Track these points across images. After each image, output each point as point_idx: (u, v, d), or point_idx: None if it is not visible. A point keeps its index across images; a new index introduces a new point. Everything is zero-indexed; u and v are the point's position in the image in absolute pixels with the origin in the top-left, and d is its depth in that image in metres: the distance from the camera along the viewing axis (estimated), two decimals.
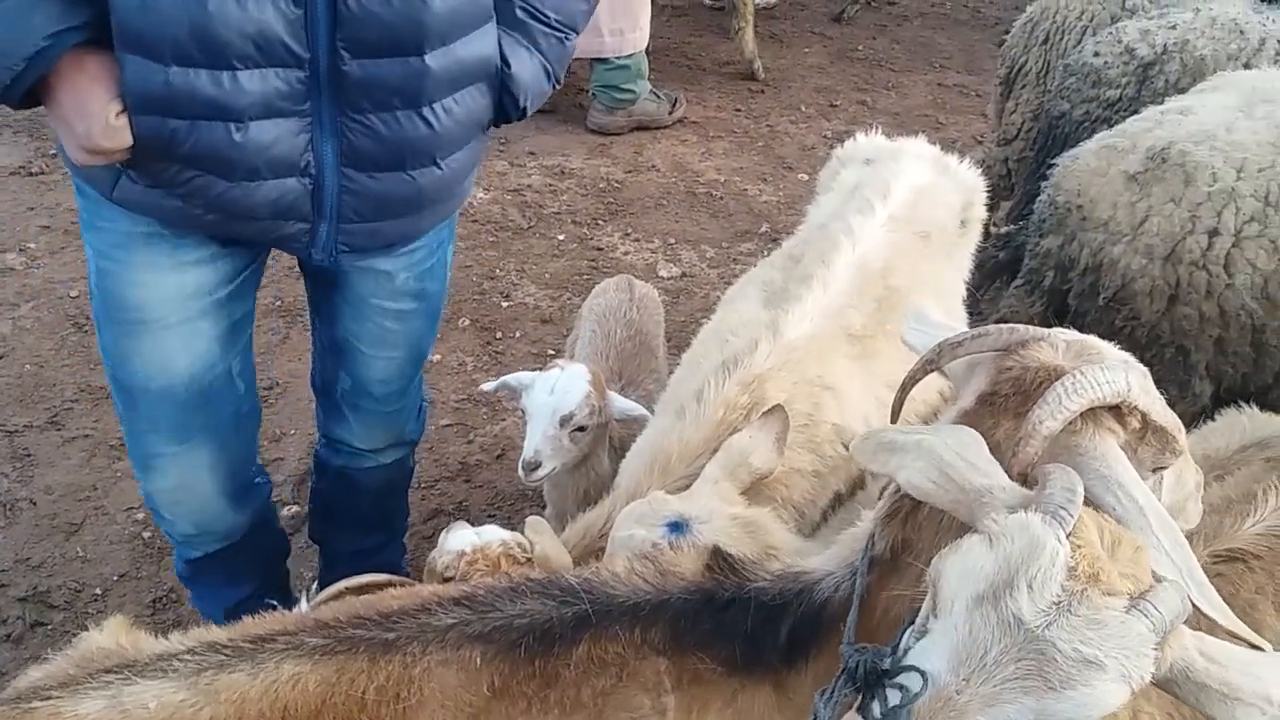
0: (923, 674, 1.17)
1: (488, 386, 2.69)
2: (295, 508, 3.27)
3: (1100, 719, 1.13)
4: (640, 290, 3.00)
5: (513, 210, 4.80)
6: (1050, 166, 3.52)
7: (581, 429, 2.36)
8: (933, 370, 1.62)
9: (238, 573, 2.51)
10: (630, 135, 5.50)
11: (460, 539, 1.93)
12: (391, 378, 2.36)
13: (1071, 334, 1.53)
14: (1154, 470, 1.45)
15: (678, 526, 1.75)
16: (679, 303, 4.31)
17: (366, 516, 2.71)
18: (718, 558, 1.55)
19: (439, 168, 1.91)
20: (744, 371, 2.04)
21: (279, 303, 4.08)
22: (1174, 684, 1.16)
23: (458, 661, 1.40)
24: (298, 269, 4.27)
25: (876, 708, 1.18)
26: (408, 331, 2.29)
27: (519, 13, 1.92)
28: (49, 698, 1.29)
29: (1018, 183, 4.31)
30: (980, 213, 2.69)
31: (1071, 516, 1.21)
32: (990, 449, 1.42)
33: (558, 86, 2.13)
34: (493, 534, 1.94)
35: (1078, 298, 3.09)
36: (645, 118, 5.56)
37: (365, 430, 2.47)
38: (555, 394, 2.39)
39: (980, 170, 4.30)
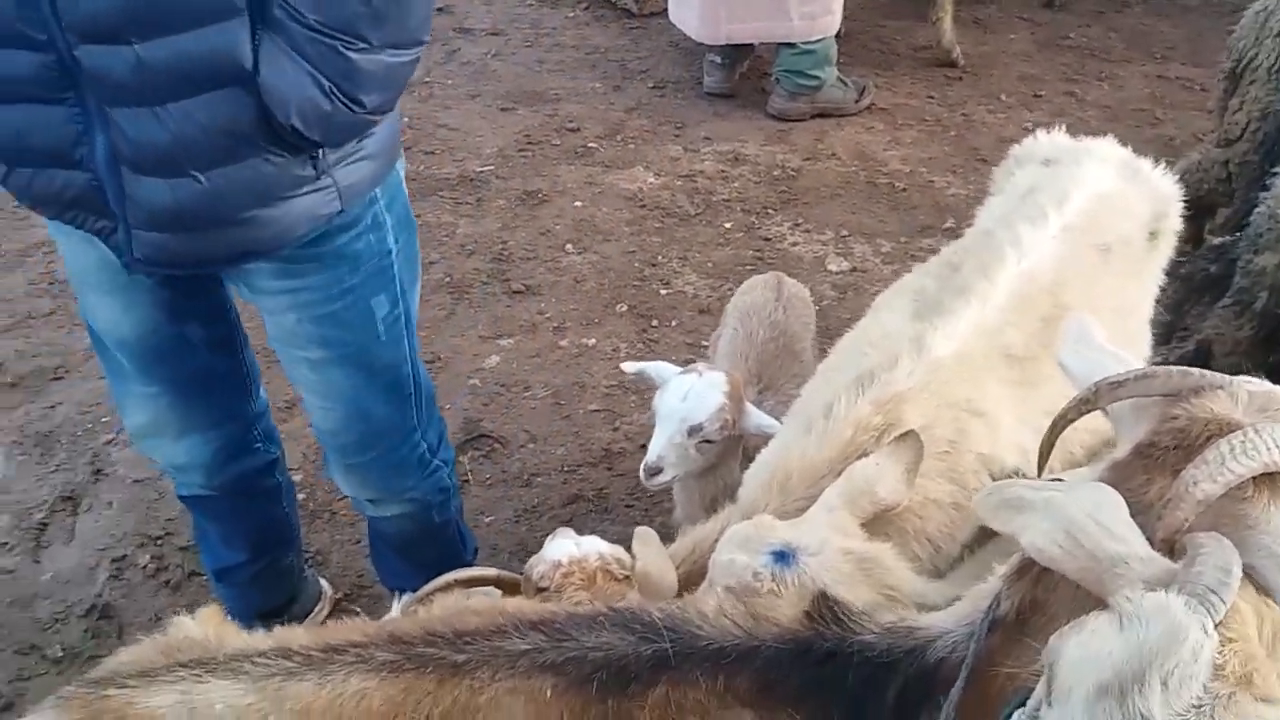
0: None
1: (629, 367, 2.63)
2: None
3: None
4: (789, 289, 2.86)
5: (681, 196, 4.73)
6: (1273, 175, 3.14)
7: (709, 441, 2.27)
8: (1088, 411, 1.44)
9: (229, 535, 2.54)
10: (812, 122, 5.31)
11: (558, 549, 1.88)
12: (340, 430, 2.25)
13: (1260, 384, 1.31)
14: None
15: (783, 556, 1.63)
16: (846, 299, 4.13)
17: (396, 563, 2.67)
18: (821, 604, 1.42)
19: (197, 180, 1.69)
20: (880, 389, 1.89)
21: (448, 279, 4.18)
22: None
23: (526, 692, 1.34)
24: (470, 247, 4.42)
25: None
26: (329, 383, 2.16)
27: (277, 11, 1.63)
28: (126, 686, 1.32)
29: (1238, 189, 3.87)
30: (1174, 224, 2.40)
31: (1224, 602, 1.03)
32: (1138, 511, 1.24)
33: (369, 113, 1.77)
34: (592, 546, 1.88)
35: None
36: (830, 105, 5.35)
37: (344, 479, 2.41)
38: (687, 401, 2.31)
39: (1196, 173, 3.92)
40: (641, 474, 2.35)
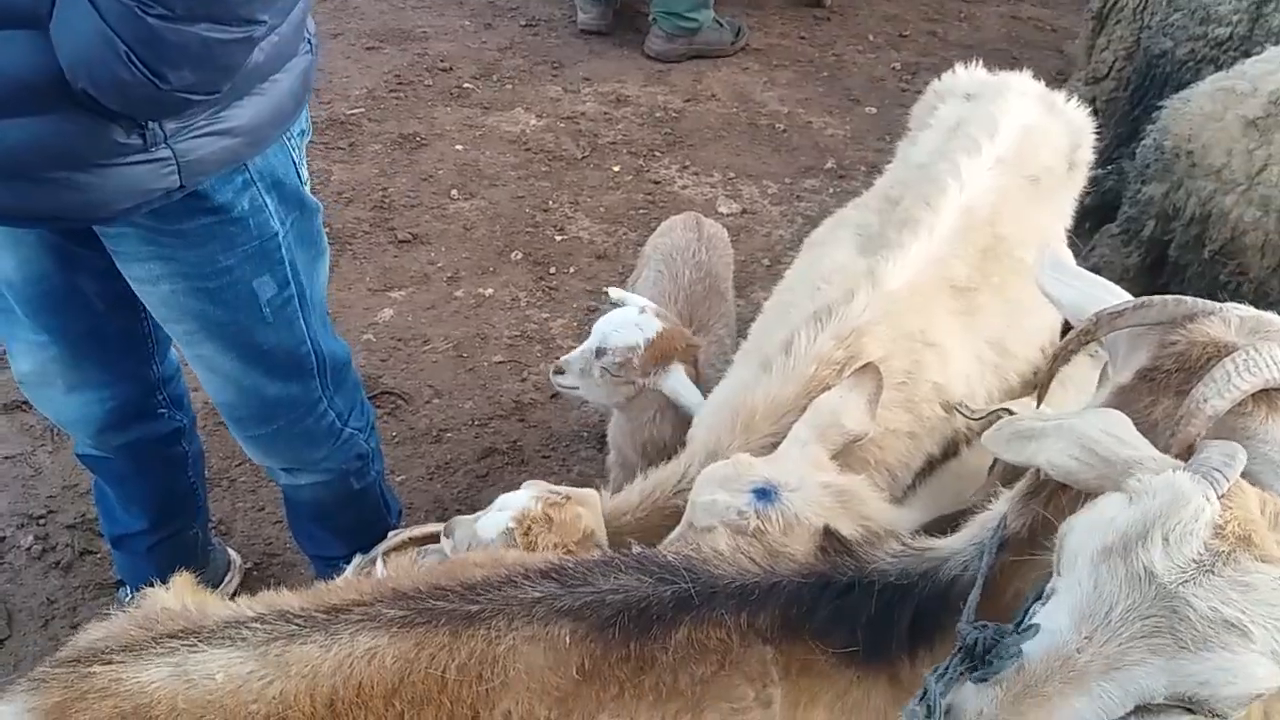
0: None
1: (614, 293, 2.53)
2: None
3: (1247, 695, 1.01)
4: (709, 229, 2.83)
5: (566, 139, 4.61)
6: (1150, 108, 3.29)
7: (612, 373, 2.28)
8: (1089, 342, 1.47)
9: (129, 501, 2.39)
10: (689, 63, 5.25)
11: (491, 524, 1.78)
12: (233, 403, 2.11)
13: (1246, 309, 1.38)
14: None
15: (765, 494, 1.62)
16: (739, 241, 4.12)
17: (316, 530, 2.55)
18: (831, 538, 1.42)
19: None
20: (839, 324, 1.88)
21: (327, 229, 3.89)
22: None
23: (545, 639, 1.28)
24: (348, 195, 4.19)
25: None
26: (211, 359, 2.01)
27: None
28: (110, 661, 1.20)
29: (1106, 124, 4.06)
30: (1088, 155, 2.48)
31: (1226, 479, 1.09)
32: (1145, 430, 1.27)
33: (180, 91, 1.52)
34: (519, 499, 1.80)
35: (1180, 249, 2.89)
36: (707, 46, 5.31)
37: (247, 448, 2.27)
38: (610, 326, 2.30)
39: None
40: (551, 372, 2.41)
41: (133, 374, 2.18)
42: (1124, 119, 3.80)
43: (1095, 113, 4.11)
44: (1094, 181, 3.87)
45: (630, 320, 2.28)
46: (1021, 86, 2.45)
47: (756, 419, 1.86)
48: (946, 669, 1.17)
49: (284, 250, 1.95)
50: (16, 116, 1.49)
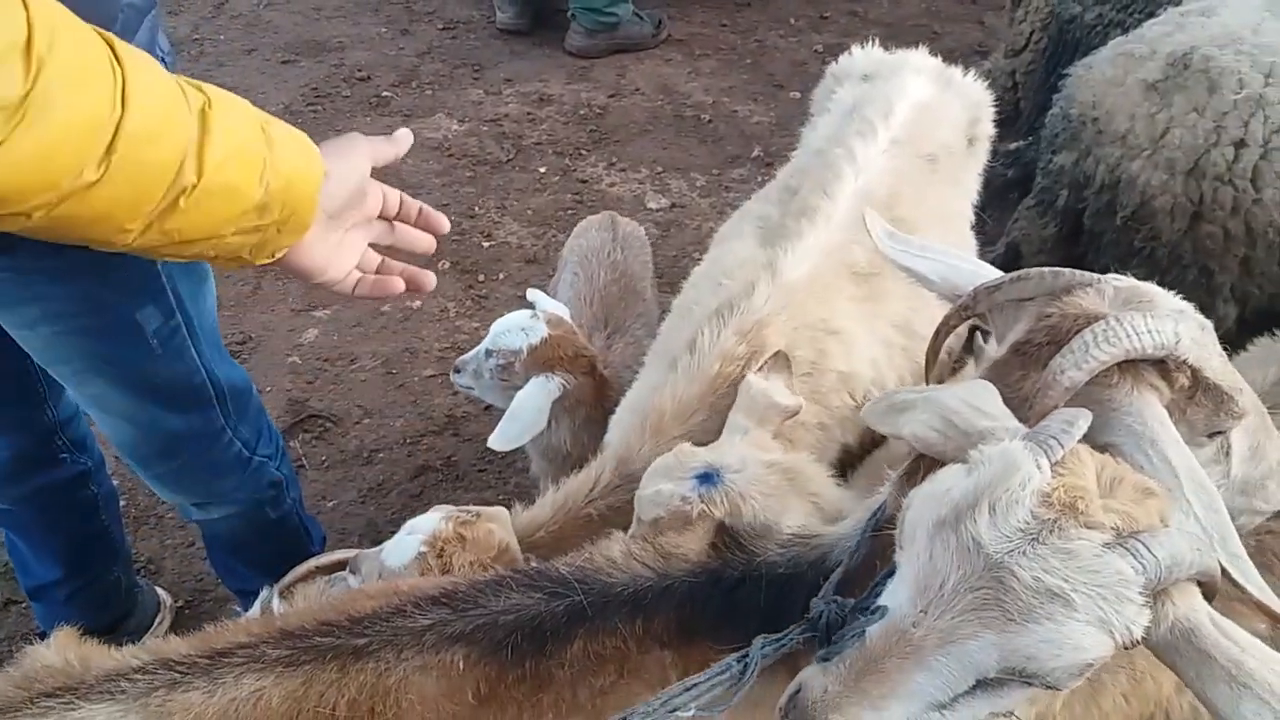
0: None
1: (531, 294, 2.50)
2: None
3: (1077, 666, 1.00)
4: (624, 228, 2.80)
5: (490, 142, 4.57)
6: (1061, 77, 3.31)
7: (498, 374, 2.29)
8: (968, 318, 1.46)
9: (40, 551, 2.32)
10: (612, 58, 5.23)
11: (401, 549, 1.75)
12: (132, 443, 2.04)
13: (1125, 280, 1.37)
14: (1210, 435, 1.30)
15: (708, 478, 1.60)
16: (669, 236, 4.12)
17: (236, 565, 2.49)
18: (723, 534, 1.40)
19: None
20: (741, 318, 1.87)
21: None
22: (1173, 650, 1.03)
23: (438, 667, 1.26)
24: None
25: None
26: (104, 399, 1.94)
27: None
28: None
29: (1025, 96, 4.09)
30: (988, 129, 2.49)
31: (1061, 446, 1.08)
32: (1016, 404, 1.27)
33: None
34: (428, 521, 1.77)
35: (1093, 217, 2.91)
36: (627, 40, 5.28)
37: (155, 486, 2.20)
38: (500, 326, 2.31)
39: (985, 81, 4.10)
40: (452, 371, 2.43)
41: (25, 421, 2.11)
42: (1041, 88, 3.83)
43: (1014, 86, 4.17)
44: (1014, 154, 3.92)
45: (518, 324, 2.26)
46: (917, 64, 2.45)
47: (665, 420, 1.84)
48: (782, 637, 1.17)
49: (164, 278, 1.89)
50: None
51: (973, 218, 2.49)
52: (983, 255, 3.34)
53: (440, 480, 3.12)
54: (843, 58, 2.59)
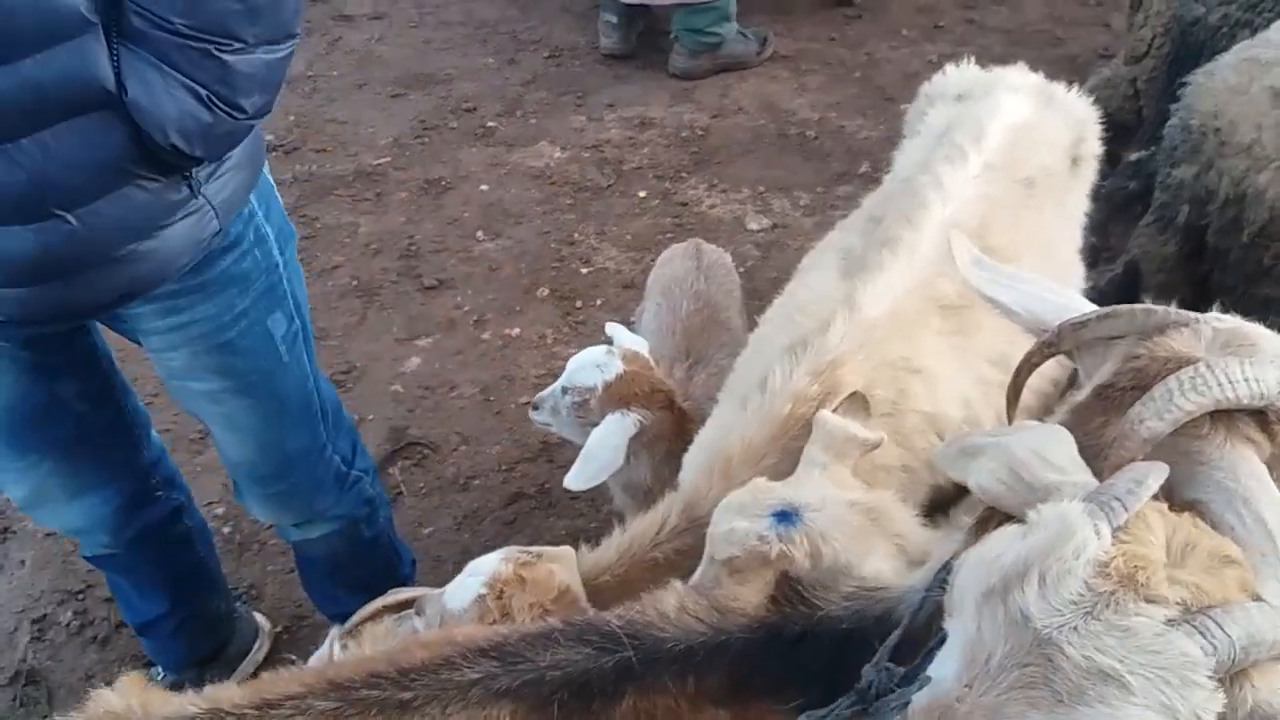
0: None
1: (609, 328, 2.48)
2: None
3: None
4: (709, 256, 2.75)
5: (591, 168, 4.58)
6: (1182, 85, 3.11)
7: (576, 410, 2.26)
8: (1052, 355, 1.37)
9: (145, 589, 2.40)
10: (715, 78, 5.18)
11: (461, 591, 1.71)
12: (255, 460, 2.12)
13: (1228, 321, 1.25)
14: None
15: (786, 517, 1.53)
16: (770, 258, 4.04)
17: (331, 588, 2.53)
18: (785, 586, 1.34)
19: (66, 220, 1.50)
20: (815, 356, 1.79)
21: (355, 282, 3.99)
22: None
23: None
24: (375, 245, 4.23)
25: None
26: (236, 415, 2.02)
27: (135, 21, 1.44)
28: None
29: (1147, 104, 3.85)
30: (1094, 148, 2.34)
31: (1125, 509, 0.98)
32: (1095, 453, 1.17)
33: (251, 118, 1.60)
34: (489, 563, 1.75)
35: (1217, 235, 2.70)
36: (732, 59, 5.23)
37: (261, 508, 2.28)
38: (576, 363, 2.28)
39: (1105, 90, 3.89)
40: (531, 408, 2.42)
41: (128, 465, 2.21)
42: (1163, 96, 3.59)
43: (1135, 94, 3.94)
44: (1137, 165, 3.69)
45: (593, 360, 2.24)
46: (1013, 82, 2.33)
47: (734, 465, 1.78)
48: (828, 713, 1.11)
49: (286, 282, 1.98)
50: (97, 200, 1.52)
51: (1080, 242, 2.35)
52: (1103, 274, 3.18)
53: (534, 508, 3.13)
54: (936, 77, 2.49)
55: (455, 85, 5.22)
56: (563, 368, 3.57)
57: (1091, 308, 1.38)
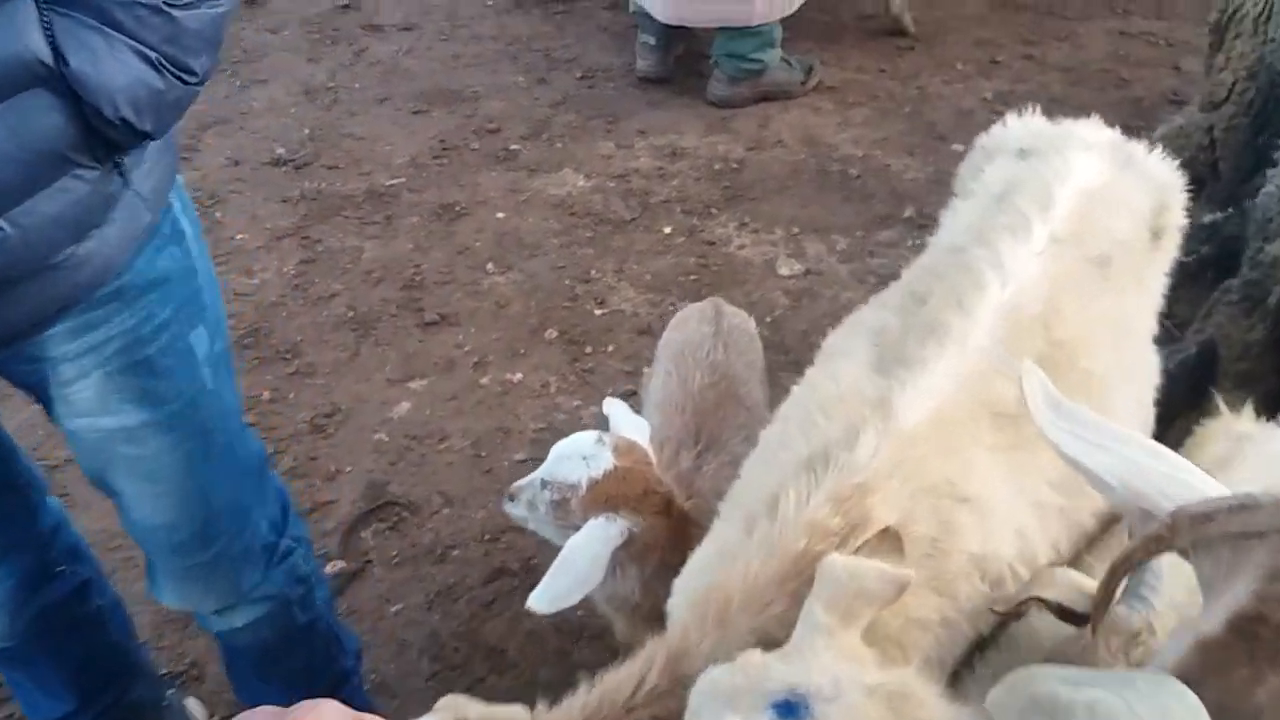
0: None
1: (607, 406, 2.16)
2: (341, 564, 2.86)
3: None
4: (729, 320, 2.41)
5: (615, 200, 4.27)
6: (1273, 140, 2.74)
7: (554, 509, 1.90)
8: (1163, 552, 1.01)
9: (46, 680, 2.07)
10: (755, 107, 4.85)
11: None
12: (175, 523, 1.76)
13: None
14: None
15: (792, 709, 1.18)
16: (800, 308, 3.70)
17: (260, 685, 2.18)
18: None
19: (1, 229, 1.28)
20: (838, 477, 1.44)
21: (351, 313, 3.70)
22: None
23: None
24: (378, 274, 3.95)
25: None
26: (155, 459, 1.68)
27: None
28: None
29: (1224, 157, 3.47)
30: (1178, 219, 1.97)
31: None
32: (1237, 717, 0.82)
33: (200, 82, 1.41)
34: None
35: None
36: (774, 88, 4.90)
37: (178, 589, 1.91)
38: (561, 451, 1.92)
39: (1177, 139, 3.50)
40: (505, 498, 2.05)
41: (24, 536, 1.89)
42: (1245, 150, 3.22)
43: (1211, 144, 3.55)
44: (1211, 228, 3.30)
45: (579, 450, 1.89)
46: (1087, 138, 1.97)
47: (733, 609, 1.43)
48: None
49: (205, 291, 1.70)
50: (35, 195, 1.31)
51: (1155, 328, 1.98)
52: (1172, 355, 2.79)
53: (516, 587, 2.80)
54: (995, 129, 2.14)
55: (481, 104, 4.94)
56: (564, 421, 3.29)
57: (1205, 482, 1.03)
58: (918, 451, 1.48)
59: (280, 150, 4.59)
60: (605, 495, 1.84)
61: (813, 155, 4.56)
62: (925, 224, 4.11)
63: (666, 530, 1.89)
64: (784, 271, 3.86)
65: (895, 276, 3.90)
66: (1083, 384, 1.64)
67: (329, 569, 2.83)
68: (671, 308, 3.70)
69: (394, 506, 3.00)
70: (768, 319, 3.61)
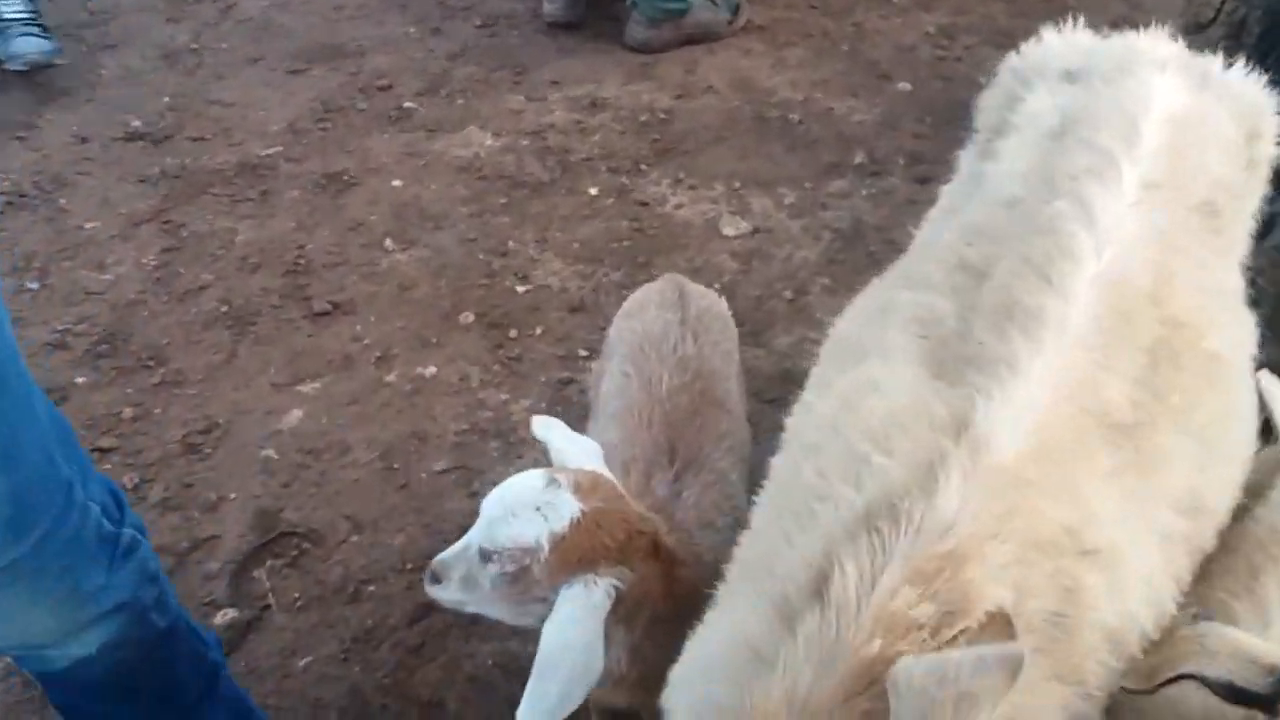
0: None
1: (539, 428, 1.66)
2: (233, 612, 2.33)
3: None
4: (698, 302, 1.93)
5: (530, 159, 3.74)
6: None
7: (507, 585, 1.40)
8: None
9: None
10: (679, 51, 4.36)
11: None
12: None
13: None
14: None
15: None
16: (751, 271, 3.26)
17: (117, 707, 1.70)
18: None
19: None
20: (916, 543, 1.00)
21: (225, 308, 3.11)
22: None
23: None
24: (255, 259, 3.38)
25: None
26: None
27: None
28: None
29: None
30: (1269, 149, 1.57)
31: None
32: None
33: None
34: None
35: None
36: (698, 30, 4.41)
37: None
38: (499, 506, 1.42)
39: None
40: (425, 579, 1.50)
41: None
42: None
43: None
44: None
45: (525, 500, 1.39)
46: (1156, 53, 1.55)
47: None
48: None
49: None
50: None
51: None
52: None
53: (449, 626, 2.31)
54: (1027, 47, 1.71)
55: (367, 59, 4.34)
56: (489, 421, 2.79)
57: None
58: (1019, 496, 1.04)
59: (135, 123, 3.94)
60: (578, 553, 1.36)
61: (747, 101, 4.09)
62: (879, 170, 3.71)
63: (658, 577, 1.42)
64: (729, 231, 3.41)
65: (852, 231, 3.48)
66: (1208, 371, 1.23)
67: (218, 619, 2.31)
68: (605, 280, 3.22)
69: (292, 538, 2.48)
70: (715, 286, 3.14)
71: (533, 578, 1.37)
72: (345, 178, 3.64)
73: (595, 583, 1.36)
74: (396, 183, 3.62)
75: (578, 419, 1.99)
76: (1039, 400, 1.09)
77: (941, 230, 1.49)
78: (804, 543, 1.08)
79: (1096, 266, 1.19)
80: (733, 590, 1.21)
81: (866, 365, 1.26)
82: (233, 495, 2.58)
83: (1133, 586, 1.09)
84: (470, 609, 1.48)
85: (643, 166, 3.72)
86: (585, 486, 1.40)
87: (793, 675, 0.97)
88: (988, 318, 1.19)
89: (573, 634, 1.32)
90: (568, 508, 1.37)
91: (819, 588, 1.01)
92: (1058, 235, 1.22)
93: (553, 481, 1.39)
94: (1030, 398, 1.08)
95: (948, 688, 0.90)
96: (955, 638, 0.96)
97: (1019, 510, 1.02)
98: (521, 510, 1.37)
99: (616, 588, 1.37)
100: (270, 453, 2.69)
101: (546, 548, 1.35)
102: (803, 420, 1.31)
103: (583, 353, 2.98)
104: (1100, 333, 1.16)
